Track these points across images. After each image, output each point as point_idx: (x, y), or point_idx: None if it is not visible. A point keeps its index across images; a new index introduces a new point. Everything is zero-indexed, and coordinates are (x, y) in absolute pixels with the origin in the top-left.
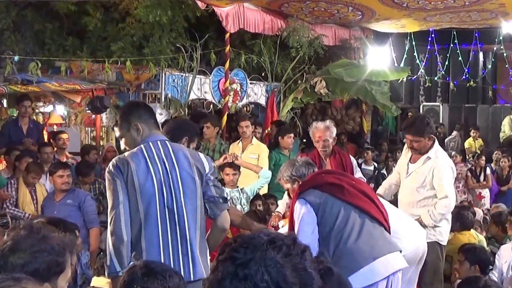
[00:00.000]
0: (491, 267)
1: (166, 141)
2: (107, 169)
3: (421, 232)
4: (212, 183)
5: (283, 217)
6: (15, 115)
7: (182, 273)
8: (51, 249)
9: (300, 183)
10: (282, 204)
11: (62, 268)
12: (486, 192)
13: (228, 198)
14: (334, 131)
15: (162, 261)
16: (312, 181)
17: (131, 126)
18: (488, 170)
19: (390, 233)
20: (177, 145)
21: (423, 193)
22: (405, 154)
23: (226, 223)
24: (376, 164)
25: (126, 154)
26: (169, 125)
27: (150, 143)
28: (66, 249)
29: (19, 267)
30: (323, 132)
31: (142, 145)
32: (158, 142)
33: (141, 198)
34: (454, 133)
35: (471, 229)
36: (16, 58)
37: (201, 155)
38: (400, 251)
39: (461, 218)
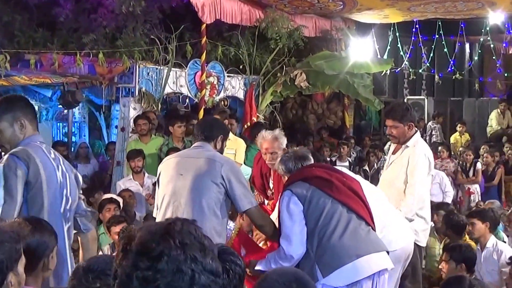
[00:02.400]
0: None
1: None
2: (5, 163)
3: (410, 230)
4: (82, 197)
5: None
6: None
7: None
8: (9, 238)
9: (288, 177)
10: None
11: (20, 254)
12: (475, 188)
13: None
14: (283, 141)
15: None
16: (301, 174)
17: (15, 121)
18: (479, 165)
19: (375, 232)
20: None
21: (400, 186)
22: (390, 149)
23: (95, 235)
24: (350, 160)
25: (28, 149)
26: (204, 123)
27: (43, 144)
28: (20, 235)
29: None
30: (271, 143)
31: (39, 144)
32: (44, 146)
33: (47, 196)
34: (430, 124)
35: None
36: None
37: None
38: (388, 252)
39: (452, 224)
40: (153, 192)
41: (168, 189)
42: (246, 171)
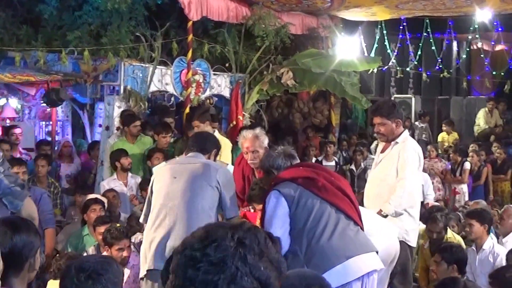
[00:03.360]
0: None
1: None
2: None
3: (393, 231)
4: (3, 174)
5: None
6: None
7: None
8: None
9: (276, 174)
10: None
11: None
12: (461, 188)
13: None
14: (265, 140)
15: None
16: (288, 173)
17: None
18: (466, 165)
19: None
20: None
21: (392, 182)
22: (378, 148)
23: (33, 212)
24: (336, 159)
25: None
26: (199, 138)
27: None
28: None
29: None
30: (252, 142)
31: None
32: None
33: None
34: (416, 123)
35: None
36: None
37: None
38: (377, 252)
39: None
40: (136, 192)
41: (161, 192)
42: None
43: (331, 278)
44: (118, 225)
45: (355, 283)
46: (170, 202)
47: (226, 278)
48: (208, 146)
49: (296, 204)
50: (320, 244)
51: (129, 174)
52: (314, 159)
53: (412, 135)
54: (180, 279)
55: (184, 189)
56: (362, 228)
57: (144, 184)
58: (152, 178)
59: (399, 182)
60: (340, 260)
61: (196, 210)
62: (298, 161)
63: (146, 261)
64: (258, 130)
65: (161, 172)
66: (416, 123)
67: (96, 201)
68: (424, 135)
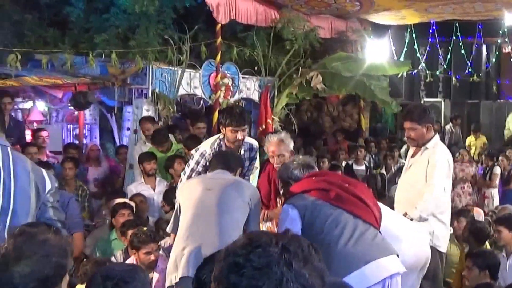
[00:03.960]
0: None
1: (8, 148)
2: None
3: (424, 237)
4: (51, 204)
5: None
6: None
7: None
8: (56, 252)
9: (292, 185)
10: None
11: (65, 270)
12: (490, 192)
13: None
14: (290, 144)
15: None
16: (301, 186)
17: None
18: (496, 170)
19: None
20: (19, 155)
21: (421, 188)
22: (409, 153)
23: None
24: (367, 164)
25: None
26: (223, 157)
27: None
28: (67, 250)
29: (27, 276)
30: (277, 146)
31: None
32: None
33: None
34: (448, 126)
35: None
36: None
37: (45, 173)
38: (398, 255)
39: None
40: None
41: (194, 203)
42: None
43: (351, 283)
44: (145, 229)
45: (374, 287)
46: (203, 211)
47: (271, 283)
48: (233, 164)
49: (310, 216)
50: (338, 251)
51: (157, 178)
52: (344, 163)
53: (442, 139)
54: (223, 286)
55: (218, 200)
56: (381, 232)
57: (169, 193)
58: (178, 192)
59: (426, 188)
60: (358, 265)
61: (229, 220)
62: (316, 170)
63: (176, 269)
64: (283, 134)
65: (191, 185)
66: (448, 126)
67: (124, 205)
68: (454, 139)
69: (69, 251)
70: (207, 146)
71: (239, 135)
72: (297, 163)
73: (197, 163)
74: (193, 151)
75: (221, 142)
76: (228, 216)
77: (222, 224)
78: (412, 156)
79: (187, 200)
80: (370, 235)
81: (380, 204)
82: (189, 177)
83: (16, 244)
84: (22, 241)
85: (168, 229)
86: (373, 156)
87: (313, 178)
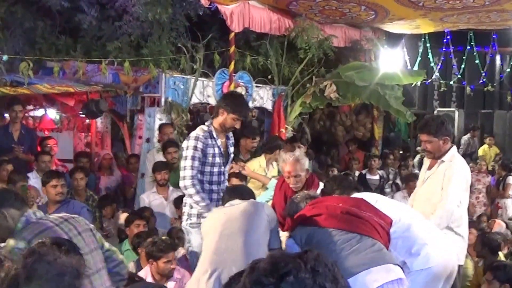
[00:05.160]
0: None
1: None
2: None
3: (451, 246)
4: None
5: None
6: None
7: None
8: (69, 272)
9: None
10: None
11: None
12: (504, 202)
13: None
14: (306, 162)
15: None
16: (298, 219)
17: None
18: (509, 180)
19: (388, 247)
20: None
21: (436, 202)
22: (425, 164)
23: None
24: (380, 173)
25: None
26: (234, 190)
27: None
28: (80, 271)
29: None
30: (293, 166)
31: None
32: None
33: None
34: (467, 137)
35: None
36: (5, 57)
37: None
38: (399, 265)
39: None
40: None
41: (218, 228)
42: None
43: None
44: (164, 237)
45: None
46: (227, 232)
47: None
48: (247, 196)
49: (309, 243)
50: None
51: (170, 188)
52: (357, 173)
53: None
54: None
55: (240, 222)
56: (382, 242)
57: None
58: (201, 228)
59: (440, 203)
60: (353, 273)
61: (255, 238)
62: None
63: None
64: (298, 153)
65: (212, 216)
66: (466, 137)
67: (140, 216)
68: (470, 150)
69: (81, 272)
70: (197, 131)
71: (238, 125)
72: (301, 197)
73: (195, 148)
74: (183, 144)
75: (210, 127)
76: (253, 235)
77: (247, 244)
78: (429, 168)
79: (210, 228)
80: (364, 245)
81: (409, 209)
82: (194, 167)
83: (27, 264)
84: (31, 261)
85: None
86: (387, 166)
87: (307, 207)
